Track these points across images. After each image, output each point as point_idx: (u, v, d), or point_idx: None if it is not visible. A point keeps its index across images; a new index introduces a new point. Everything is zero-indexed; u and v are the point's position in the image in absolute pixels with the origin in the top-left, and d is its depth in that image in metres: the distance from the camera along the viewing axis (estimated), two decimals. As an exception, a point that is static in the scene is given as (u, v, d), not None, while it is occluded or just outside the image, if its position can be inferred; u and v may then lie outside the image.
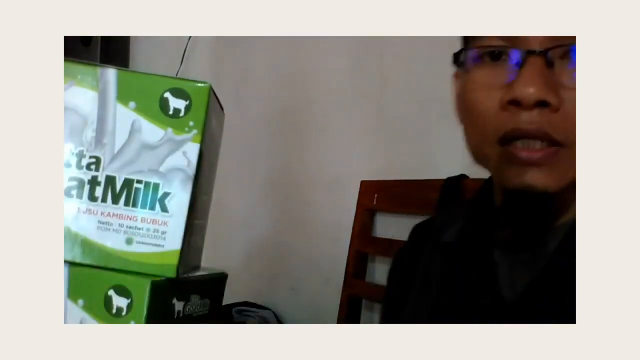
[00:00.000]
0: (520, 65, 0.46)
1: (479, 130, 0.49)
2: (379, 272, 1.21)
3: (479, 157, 0.51)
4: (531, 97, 0.44)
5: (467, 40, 0.51)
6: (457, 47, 0.54)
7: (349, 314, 1.19)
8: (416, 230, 0.70)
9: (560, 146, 0.46)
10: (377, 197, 1.18)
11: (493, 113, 0.47)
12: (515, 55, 0.46)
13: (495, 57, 0.48)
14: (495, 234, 0.56)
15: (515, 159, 0.46)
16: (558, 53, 0.45)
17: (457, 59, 0.51)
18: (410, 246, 0.68)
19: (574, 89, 0.44)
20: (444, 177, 1.02)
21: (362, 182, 1.22)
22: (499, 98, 0.47)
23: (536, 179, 0.46)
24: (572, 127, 0.44)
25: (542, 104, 0.45)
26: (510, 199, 0.53)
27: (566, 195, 0.49)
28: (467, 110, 0.51)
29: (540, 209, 0.51)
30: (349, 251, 1.21)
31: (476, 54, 0.49)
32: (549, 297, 0.48)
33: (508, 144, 0.47)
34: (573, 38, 0.44)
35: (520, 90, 0.45)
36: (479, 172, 0.52)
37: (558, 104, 0.45)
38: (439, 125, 1.08)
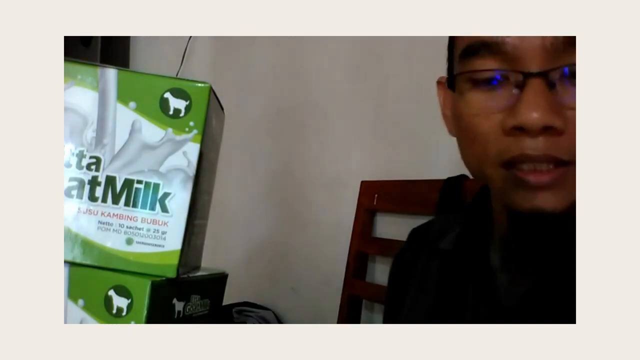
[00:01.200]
0: (520, 87, 0.44)
1: (479, 152, 0.47)
2: (379, 272, 1.21)
3: (480, 175, 0.49)
4: (536, 122, 0.43)
5: (457, 60, 0.49)
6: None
7: (349, 314, 1.19)
8: (413, 235, 0.69)
9: (567, 165, 0.44)
10: (377, 197, 1.18)
11: (494, 136, 0.46)
12: (514, 77, 0.45)
13: (492, 78, 0.46)
14: (492, 240, 0.55)
15: (523, 182, 0.45)
16: (558, 73, 0.44)
17: (451, 81, 0.49)
18: (407, 251, 0.68)
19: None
20: (444, 177, 1.02)
21: (362, 182, 1.22)
22: (498, 121, 0.45)
23: (546, 202, 0.44)
24: None
25: (547, 129, 0.43)
26: (516, 221, 0.52)
27: (569, 211, 0.48)
28: (465, 132, 0.49)
29: (547, 229, 0.50)
30: (349, 251, 1.21)
31: (471, 76, 0.47)
32: (549, 303, 0.48)
33: (513, 168, 0.45)
34: (571, 57, 0.43)
35: (524, 116, 0.43)
36: (479, 172, 0.52)
37: (563, 126, 0.43)
38: (438, 125, 1.08)
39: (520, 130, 0.44)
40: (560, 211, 0.45)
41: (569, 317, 0.38)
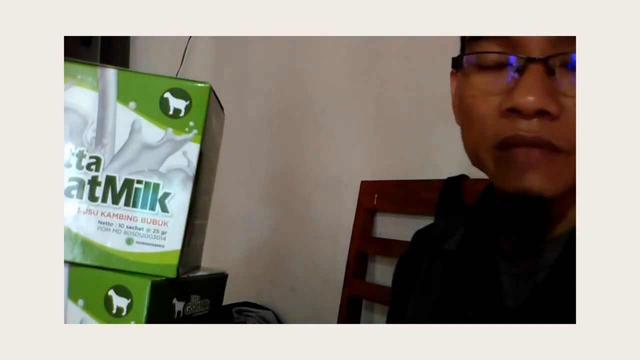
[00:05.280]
0: (520, 72, 0.45)
1: (477, 134, 0.49)
2: (379, 272, 1.21)
3: (476, 160, 0.51)
4: (531, 105, 0.44)
5: (466, 44, 0.51)
6: (456, 47, 0.54)
7: (349, 314, 1.19)
8: (417, 237, 0.69)
9: (559, 152, 0.45)
10: (377, 197, 1.18)
11: (491, 118, 0.47)
12: (515, 62, 0.46)
13: (495, 62, 0.47)
14: (497, 242, 0.55)
15: (512, 162, 0.46)
16: (558, 60, 0.45)
17: (456, 62, 0.51)
18: (411, 253, 0.68)
19: (574, 97, 0.44)
20: (444, 177, 1.02)
21: (362, 182, 1.22)
22: (497, 103, 0.46)
23: (533, 181, 0.45)
24: (572, 134, 0.44)
25: (541, 113, 0.44)
26: (507, 203, 0.53)
27: (564, 202, 0.49)
28: (465, 114, 0.50)
29: (536, 214, 0.50)
30: (349, 251, 1.21)
31: (475, 58, 0.48)
32: (552, 307, 0.48)
33: (506, 150, 0.46)
34: (573, 45, 0.43)
35: (520, 99, 0.44)
36: (479, 172, 0.52)
37: (558, 112, 0.44)
38: (438, 125, 1.08)
39: (516, 112, 0.45)
40: (550, 195, 0.46)
41: (572, 322, 0.38)
